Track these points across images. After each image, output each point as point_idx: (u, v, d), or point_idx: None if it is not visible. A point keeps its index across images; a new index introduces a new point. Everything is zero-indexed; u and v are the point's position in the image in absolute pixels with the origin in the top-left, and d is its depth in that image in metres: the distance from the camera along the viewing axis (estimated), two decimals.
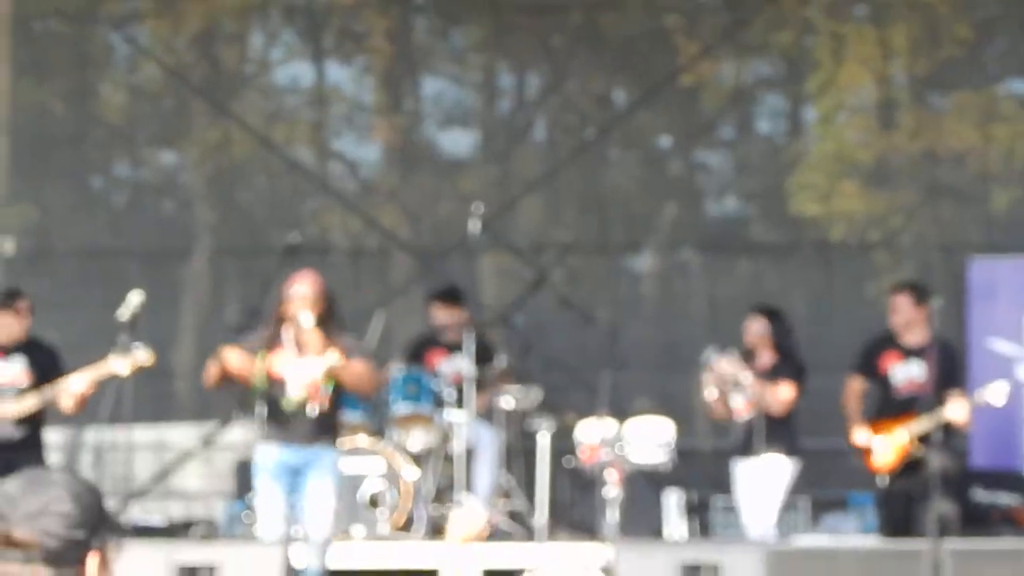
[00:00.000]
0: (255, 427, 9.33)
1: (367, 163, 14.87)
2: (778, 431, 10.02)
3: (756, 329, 10.21)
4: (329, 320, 8.92)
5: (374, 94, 14.75)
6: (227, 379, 9.12)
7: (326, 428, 8.96)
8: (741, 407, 10.09)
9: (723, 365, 10.02)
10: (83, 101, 14.46)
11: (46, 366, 10.04)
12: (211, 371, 9.12)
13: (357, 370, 8.93)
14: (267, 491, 8.98)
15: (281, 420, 8.88)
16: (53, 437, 10.98)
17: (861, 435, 10.11)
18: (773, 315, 10.40)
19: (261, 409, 8.94)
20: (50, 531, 2.48)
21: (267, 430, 8.97)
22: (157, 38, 14.40)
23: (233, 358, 8.96)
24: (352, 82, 14.83)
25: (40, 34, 14.44)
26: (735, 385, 10.04)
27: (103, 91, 14.66)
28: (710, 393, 10.13)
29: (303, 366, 8.79)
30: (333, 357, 8.72)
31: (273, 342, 8.89)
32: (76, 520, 2.51)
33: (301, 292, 8.85)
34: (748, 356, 10.18)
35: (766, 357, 10.17)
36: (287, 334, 8.87)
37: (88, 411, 9.99)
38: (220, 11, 14.38)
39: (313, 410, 8.82)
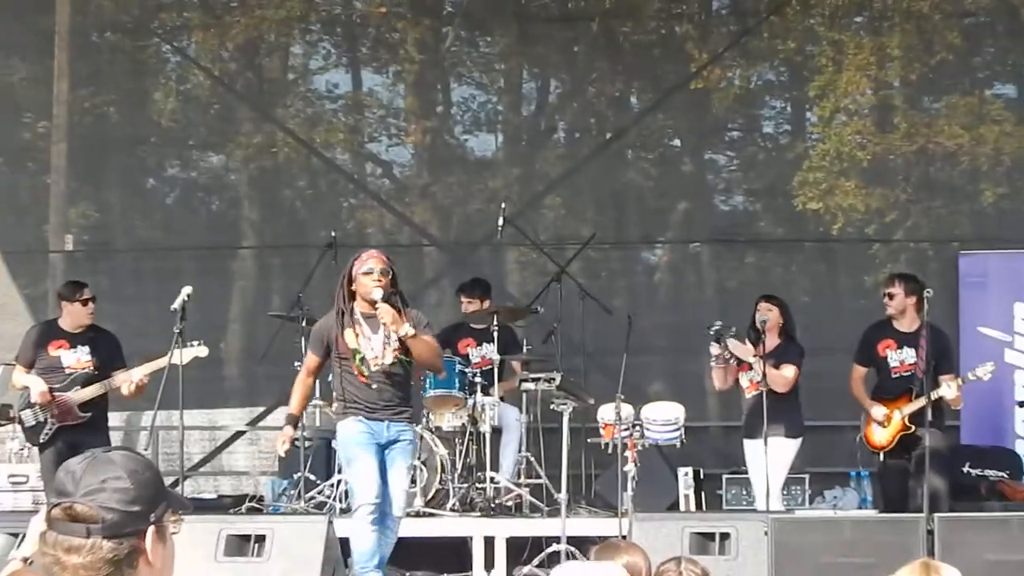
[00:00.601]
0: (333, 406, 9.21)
1: (400, 164, 14.80)
2: (783, 409, 10.06)
3: (772, 316, 10.31)
4: (396, 295, 8.60)
5: (406, 100, 14.70)
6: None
7: (403, 404, 8.68)
8: (747, 386, 10.26)
9: (735, 347, 10.17)
10: (137, 108, 14.50)
11: (108, 352, 10.23)
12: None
13: (428, 342, 8.62)
14: (357, 460, 8.56)
15: (359, 393, 8.58)
16: (113, 420, 11.18)
17: (878, 411, 10.13)
18: (782, 304, 10.51)
19: (339, 382, 8.68)
20: (108, 506, 2.55)
21: (345, 405, 8.66)
22: (205, 49, 14.43)
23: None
24: (386, 89, 14.77)
25: (97, 46, 14.52)
26: (742, 363, 10.21)
27: (155, 99, 14.58)
28: (717, 361, 10.29)
29: (377, 339, 8.50)
30: (407, 328, 8.42)
31: (346, 319, 8.55)
32: (133, 495, 2.57)
33: (370, 269, 8.51)
34: (755, 339, 10.27)
35: (772, 340, 10.24)
36: (358, 311, 8.54)
37: (145, 396, 10.20)
38: (263, 23, 14.34)
39: (388, 379, 8.54)
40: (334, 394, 9.01)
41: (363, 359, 8.53)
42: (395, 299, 8.56)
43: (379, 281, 8.47)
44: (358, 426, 8.54)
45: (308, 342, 9.28)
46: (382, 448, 8.55)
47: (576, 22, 14.35)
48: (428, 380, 10.66)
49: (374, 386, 8.53)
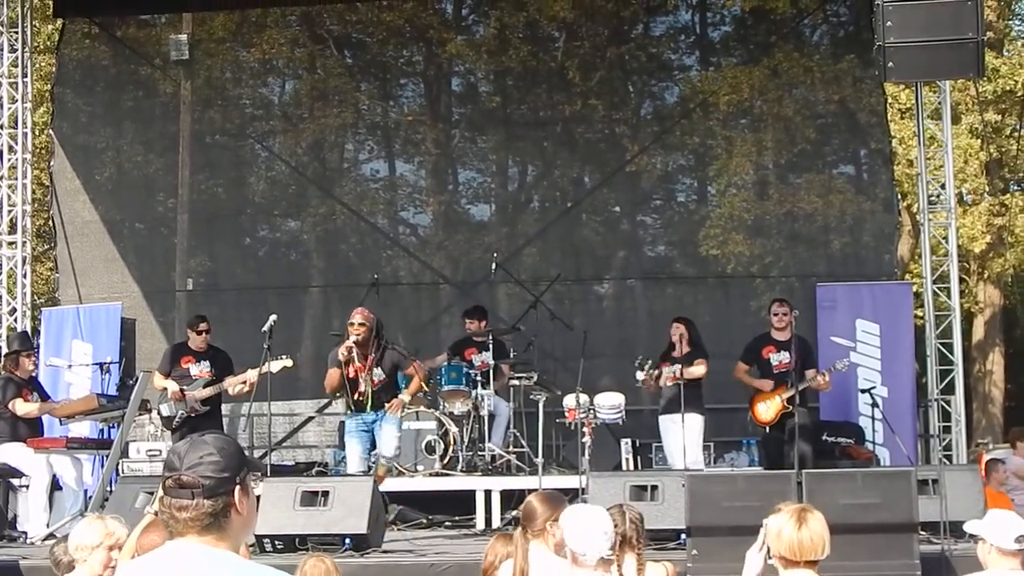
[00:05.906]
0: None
1: (423, 226, 14.79)
2: (693, 395, 9.95)
3: (679, 330, 10.22)
4: (376, 337, 8.91)
5: (426, 181, 14.72)
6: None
7: (386, 401, 9.02)
8: (669, 378, 10.00)
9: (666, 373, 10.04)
10: (237, 189, 14.52)
11: (222, 365, 10.20)
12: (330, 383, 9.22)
13: (416, 386, 9.11)
14: (351, 444, 9.04)
15: (357, 403, 8.99)
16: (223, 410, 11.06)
17: (766, 384, 10.04)
18: (688, 321, 10.44)
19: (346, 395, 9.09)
20: (205, 475, 2.52)
21: (350, 409, 9.11)
22: (285, 147, 14.45)
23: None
24: (412, 173, 14.85)
25: (209, 145, 14.50)
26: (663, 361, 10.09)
27: (250, 182, 14.63)
28: (644, 379, 10.20)
29: (364, 373, 8.87)
30: (406, 400, 9.01)
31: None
32: (222, 465, 2.53)
33: (352, 322, 8.91)
34: (672, 347, 10.15)
35: (684, 347, 10.13)
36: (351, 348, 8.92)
37: (245, 394, 10.11)
38: (326, 128, 14.45)
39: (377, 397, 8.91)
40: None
41: (357, 382, 8.92)
42: (376, 339, 8.85)
43: (357, 331, 8.82)
44: (353, 422, 8.99)
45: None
46: (370, 427, 8.91)
47: (546, 125, 14.33)
48: (443, 378, 10.65)
49: (364, 398, 8.94)
